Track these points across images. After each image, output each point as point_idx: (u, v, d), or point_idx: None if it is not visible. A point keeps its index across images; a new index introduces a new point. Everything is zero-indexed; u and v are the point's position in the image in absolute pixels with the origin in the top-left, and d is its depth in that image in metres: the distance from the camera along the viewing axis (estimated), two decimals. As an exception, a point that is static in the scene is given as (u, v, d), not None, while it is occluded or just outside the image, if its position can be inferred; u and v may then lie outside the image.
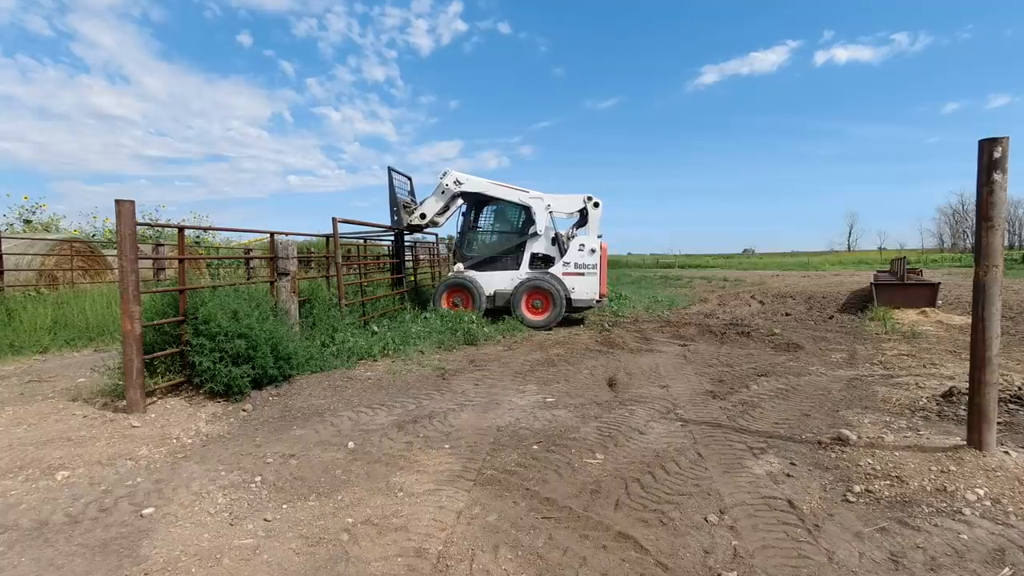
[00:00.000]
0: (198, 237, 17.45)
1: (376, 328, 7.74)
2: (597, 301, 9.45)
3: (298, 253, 6.78)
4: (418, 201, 10.31)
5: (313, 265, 13.84)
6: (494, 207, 9.96)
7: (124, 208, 4.32)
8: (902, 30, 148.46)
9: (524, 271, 9.55)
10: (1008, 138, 3.09)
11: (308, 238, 16.15)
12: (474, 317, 8.82)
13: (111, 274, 11.87)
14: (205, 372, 4.76)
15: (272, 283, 6.37)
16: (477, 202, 9.92)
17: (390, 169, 9.82)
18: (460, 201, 9.94)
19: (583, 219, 9.81)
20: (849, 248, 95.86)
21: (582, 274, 9.34)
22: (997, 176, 3.09)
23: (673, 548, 2.45)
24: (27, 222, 16.08)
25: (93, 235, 16.36)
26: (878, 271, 22.07)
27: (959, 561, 2.30)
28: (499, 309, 9.49)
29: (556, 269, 9.43)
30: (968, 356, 3.35)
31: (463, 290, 9.55)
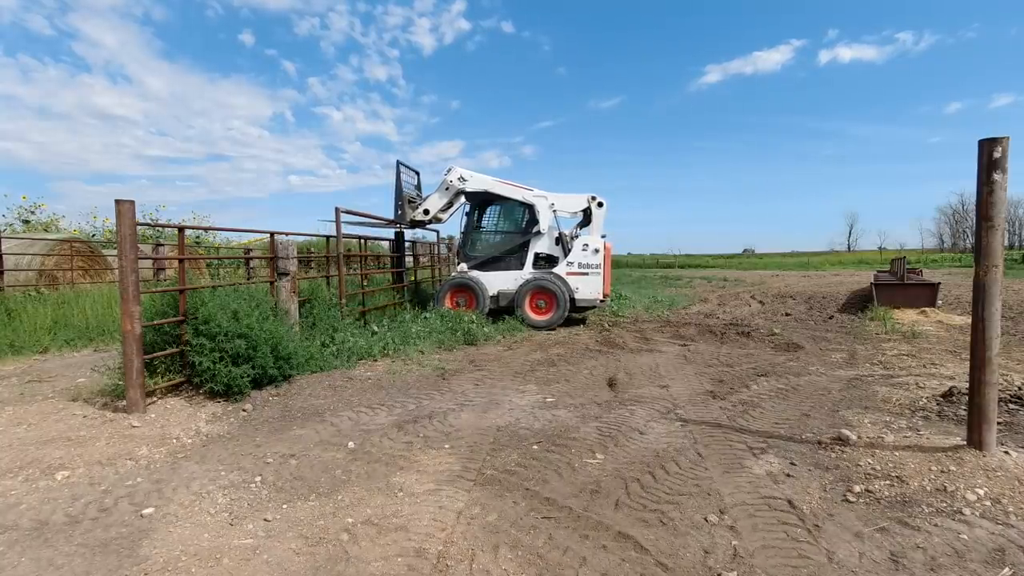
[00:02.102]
0: (198, 237, 17.46)
1: (376, 328, 7.74)
2: (601, 301, 9.47)
3: (298, 253, 6.78)
4: (423, 196, 10.28)
5: (313, 265, 13.85)
6: (497, 207, 9.95)
7: (124, 208, 4.32)
8: (907, 29, 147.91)
9: (528, 271, 9.55)
10: (1008, 138, 3.09)
11: (308, 238, 16.16)
12: (474, 317, 8.81)
13: (111, 274, 11.88)
14: (205, 372, 4.76)
15: (272, 283, 6.37)
16: (480, 202, 9.91)
17: (399, 163, 9.77)
18: (463, 198, 9.88)
19: (586, 219, 9.83)
20: (849, 248, 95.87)
21: (586, 274, 9.34)
22: (997, 176, 3.09)
23: (673, 548, 2.45)
24: (26, 222, 16.09)
25: (93, 235, 16.37)
26: (878, 271, 22.09)
27: (959, 561, 2.30)
28: (503, 309, 9.49)
29: (560, 269, 9.43)
30: (968, 356, 3.35)
31: (467, 290, 9.54)
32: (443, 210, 9.91)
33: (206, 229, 14.86)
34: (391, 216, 9.87)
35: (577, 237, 9.68)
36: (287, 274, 6.38)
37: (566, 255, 9.48)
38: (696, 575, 2.25)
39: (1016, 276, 21.67)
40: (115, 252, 5.14)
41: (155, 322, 4.86)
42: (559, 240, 9.62)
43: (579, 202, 9.62)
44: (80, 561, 2.38)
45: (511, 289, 9.46)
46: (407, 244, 11.84)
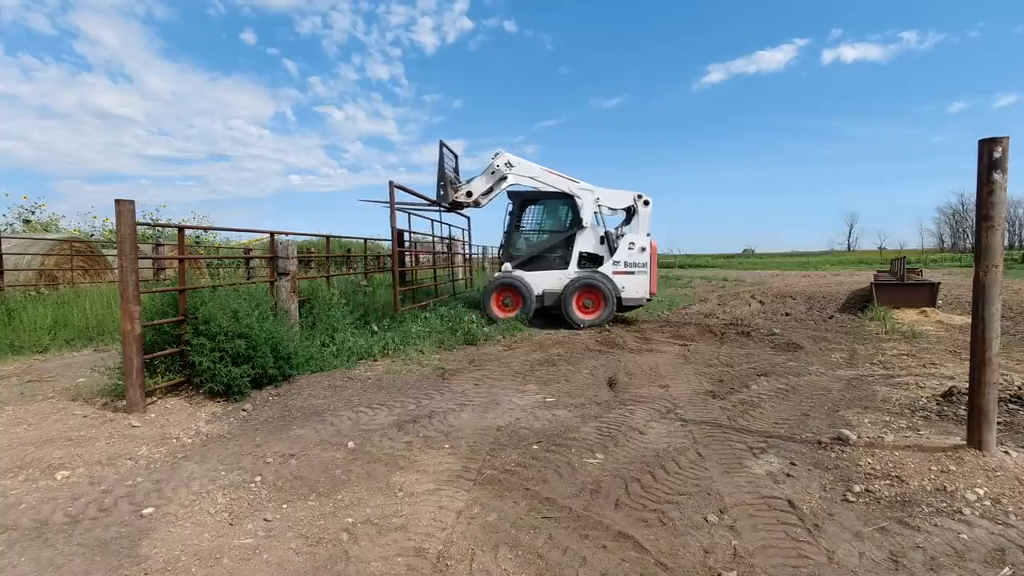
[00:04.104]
0: (198, 237, 17.45)
1: (376, 328, 7.75)
2: (647, 300, 9.55)
3: (298, 253, 6.78)
4: (462, 179, 10.21)
5: (313, 265, 13.84)
6: (540, 205, 9.94)
7: (124, 208, 4.32)
8: (911, 28, 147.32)
9: (572, 270, 9.53)
10: (1008, 138, 3.09)
11: (308, 238, 16.16)
12: (474, 317, 8.81)
13: (111, 274, 11.87)
14: (205, 372, 4.76)
15: (272, 283, 6.37)
16: (523, 201, 9.88)
17: (441, 143, 9.69)
18: (505, 184, 9.68)
19: (628, 217, 9.86)
20: (849, 248, 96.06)
21: (632, 272, 9.36)
22: (997, 176, 3.09)
23: (673, 548, 2.45)
24: (27, 222, 16.09)
25: (92, 235, 16.37)
26: (878, 271, 22.11)
27: (959, 561, 2.30)
28: (547, 309, 9.48)
29: (606, 268, 9.42)
30: (968, 356, 3.35)
31: (513, 290, 9.48)
32: (484, 194, 9.79)
33: (206, 229, 14.85)
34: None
35: (623, 236, 9.63)
36: (287, 274, 6.38)
37: (611, 254, 9.47)
38: (696, 575, 2.25)
39: (1016, 276, 21.68)
40: (115, 252, 5.14)
41: (155, 322, 4.86)
42: (604, 239, 9.62)
43: (625, 199, 9.60)
44: (80, 561, 2.38)
45: (556, 289, 9.43)
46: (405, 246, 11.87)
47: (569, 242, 9.63)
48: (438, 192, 9.70)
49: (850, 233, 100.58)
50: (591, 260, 9.67)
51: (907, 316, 9.91)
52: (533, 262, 9.73)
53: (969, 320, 6.28)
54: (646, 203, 9.52)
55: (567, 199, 9.61)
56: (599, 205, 9.56)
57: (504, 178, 9.57)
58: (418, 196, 9.48)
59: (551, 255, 9.72)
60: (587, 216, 9.47)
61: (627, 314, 10.29)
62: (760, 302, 13.84)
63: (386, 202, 8.17)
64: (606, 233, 9.65)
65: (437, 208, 10.17)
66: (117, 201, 4.31)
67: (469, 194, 9.69)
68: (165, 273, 10.77)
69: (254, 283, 6.45)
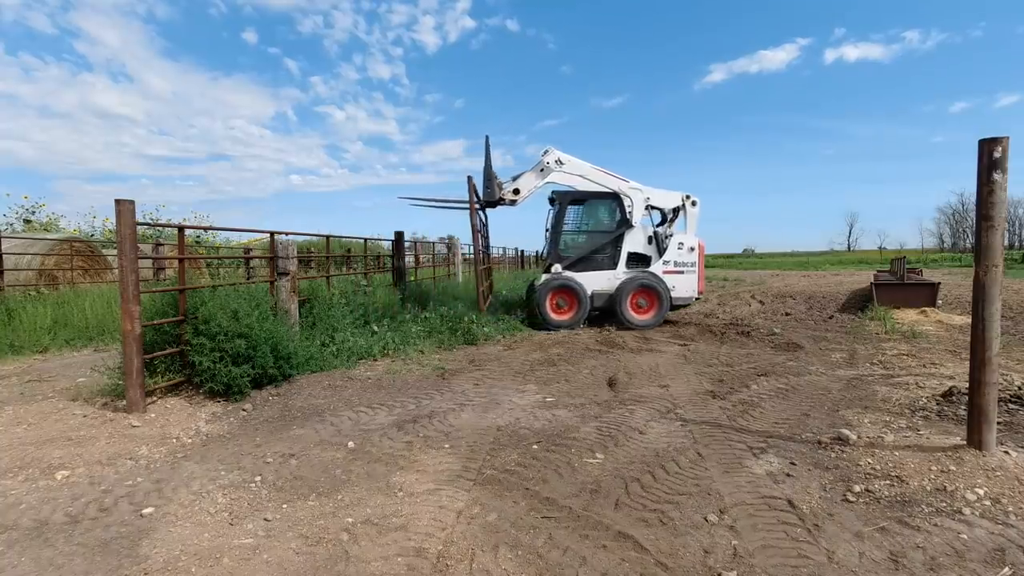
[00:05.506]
0: (198, 237, 17.45)
1: (376, 328, 7.75)
2: (696, 298, 9.70)
3: (298, 253, 6.78)
4: (499, 177, 10.03)
5: (313, 265, 13.84)
6: (588, 204, 9.90)
7: (124, 208, 4.32)
8: (914, 27, 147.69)
9: (621, 270, 9.54)
10: (1008, 138, 3.09)
11: (308, 238, 16.16)
12: (474, 317, 8.76)
13: (111, 274, 11.87)
14: (205, 372, 4.76)
15: (272, 283, 6.37)
16: (571, 200, 9.83)
17: (487, 139, 9.63)
18: (543, 182, 9.55)
19: (663, 218, 9.91)
20: (849, 248, 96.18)
21: (681, 272, 9.46)
22: (997, 176, 3.09)
23: (673, 548, 2.45)
24: (27, 222, 16.09)
25: (92, 235, 16.37)
26: (878, 271, 22.10)
27: (959, 561, 2.30)
28: (596, 310, 9.46)
29: (656, 268, 9.46)
30: (968, 356, 3.35)
31: (569, 291, 9.37)
32: (529, 192, 9.70)
33: (206, 229, 14.84)
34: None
35: (670, 236, 9.65)
36: (287, 274, 6.38)
37: (660, 254, 9.51)
38: (696, 575, 2.25)
39: (1016, 276, 21.65)
40: (115, 252, 5.14)
41: (155, 322, 4.86)
42: (652, 239, 9.66)
43: (673, 199, 9.65)
44: (80, 561, 2.38)
45: (606, 289, 9.43)
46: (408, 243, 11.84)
47: (617, 242, 9.63)
48: (484, 189, 9.60)
49: (850, 233, 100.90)
50: (638, 260, 9.67)
51: (907, 316, 9.91)
52: (582, 262, 9.68)
53: (969, 320, 6.28)
54: (694, 203, 9.61)
55: (614, 198, 9.57)
56: (649, 205, 9.59)
57: (546, 175, 9.47)
58: (476, 195, 9.41)
59: (599, 255, 9.71)
60: (637, 216, 9.49)
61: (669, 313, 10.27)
62: (760, 302, 13.84)
63: (431, 202, 8.16)
64: (654, 232, 9.68)
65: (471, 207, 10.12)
66: (117, 201, 4.31)
67: (516, 191, 9.56)
68: (165, 273, 10.76)
69: (254, 283, 6.45)
